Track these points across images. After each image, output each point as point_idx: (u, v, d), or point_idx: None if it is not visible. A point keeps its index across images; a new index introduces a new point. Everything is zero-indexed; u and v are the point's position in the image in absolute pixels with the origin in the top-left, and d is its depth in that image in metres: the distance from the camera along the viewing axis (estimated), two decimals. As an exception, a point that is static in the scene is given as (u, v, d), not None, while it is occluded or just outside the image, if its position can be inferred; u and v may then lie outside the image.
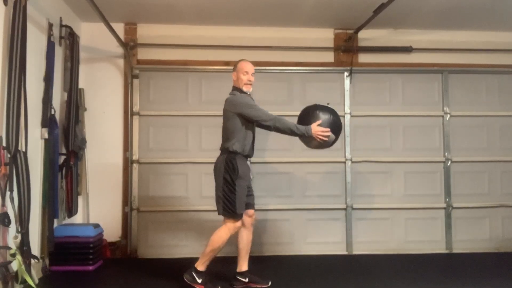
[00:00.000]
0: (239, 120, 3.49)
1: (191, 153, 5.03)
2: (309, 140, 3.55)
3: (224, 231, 3.46)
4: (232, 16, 4.86)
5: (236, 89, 3.63)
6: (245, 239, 3.64)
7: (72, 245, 4.15)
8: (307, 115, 3.58)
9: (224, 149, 3.55)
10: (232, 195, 3.42)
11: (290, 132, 3.48)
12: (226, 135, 3.56)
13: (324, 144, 3.54)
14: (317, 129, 3.45)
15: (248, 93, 3.62)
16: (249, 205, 3.63)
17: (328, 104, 3.65)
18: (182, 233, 4.96)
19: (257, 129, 3.68)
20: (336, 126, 3.54)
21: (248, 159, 3.66)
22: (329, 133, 3.47)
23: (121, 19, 4.93)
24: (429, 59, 5.28)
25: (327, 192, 5.12)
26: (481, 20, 4.99)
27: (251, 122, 3.53)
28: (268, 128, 3.53)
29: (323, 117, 3.51)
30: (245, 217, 3.60)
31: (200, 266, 3.47)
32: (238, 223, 3.49)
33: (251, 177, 3.76)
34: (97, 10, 3.94)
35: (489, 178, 5.27)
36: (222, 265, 3.97)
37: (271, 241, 4.99)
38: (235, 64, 3.70)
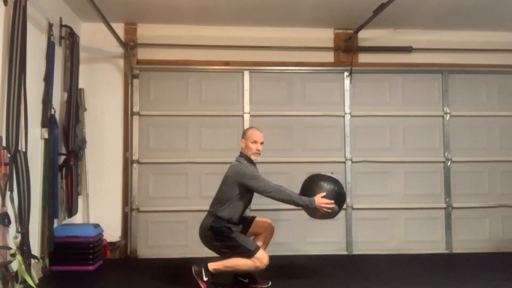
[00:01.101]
0: (238, 190, 3.48)
1: (191, 153, 5.03)
2: (313, 212, 3.52)
3: (253, 265, 3.39)
4: (232, 16, 4.85)
5: (243, 156, 3.61)
6: (258, 243, 3.61)
7: (72, 245, 4.15)
8: (311, 185, 3.55)
9: (211, 212, 3.53)
10: (236, 244, 3.40)
11: (294, 203, 3.46)
12: (219, 199, 3.55)
13: (327, 215, 3.51)
14: (321, 201, 3.41)
15: (255, 162, 3.62)
16: (249, 221, 3.66)
17: (332, 173, 3.64)
18: (182, 233, 4.96)
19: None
20: (340, 198, 3.51)
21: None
22: (333, 205, 3.44)
23: (121, 19, 4.93)
24: (429, 59, 5.28)
25: (327, 192, 5.11)
26: (481, 20, 4.99)
27: (253, 192, 3.52)
28: (271, 198, 3.48)
29: (327, 187, 3.47)
30: (264, 230, 3.66)
31: (213, 269, 3.43)
32: (265, 259, 3.39)
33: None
34: (97, 10, 3.94)
35: (489, 178, 5.27)
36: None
37: (271, 241, 4.97)
38: (244, 131, 3.72)
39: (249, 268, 3.43)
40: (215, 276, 3.46)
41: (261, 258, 3.39)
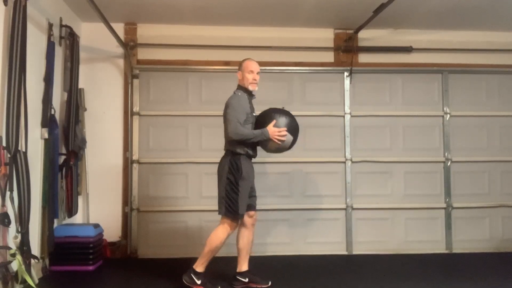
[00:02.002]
0: None
1: (191, 153, 5.03)
2: (267, 143, 3.53)
3: (221, 231, 3.46)
4: (232, 16, 4.86)
5: (241, 88, 3.63)
6: (246, 239, 3.63)
7: (72, 245, 4.15)
8: (263, 119, 3.57)
9: (227, 150, 3.55)
10: (235, 195, 3.42)
11: (248, 139, 3.44)
12: (228, 136, 3.55)
13: (282, 146, 3.54)
14: (273, 129, 3.45)
15: (253, 91, 3.61)
16: (251, 206, 3.63)
17: (283, 107, 3.67)
18: (182, 233, 4.96)
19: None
20: (292, 127, 3.54)
21: (252, 159, 3.65)
22: (286, 133, 3.47)
23: (121, 19, 4.93)
24: (429, 59, 5.28)
25: (327, 192, 5.12)
26: (481, 20, 4.99)
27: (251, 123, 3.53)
28: (230, 136, 3.45)
29: (278, 118, 3.51)
30: (246, 217, 3.60)
31: (199, 267, 3.47)
32: (236, 224, 3.50)
33: None
34: (97, 10, 3.94)
35: (489, 178, 5.27)
36: (222, 265, 3.97)
37: (271, 241, 4.99)
38: (240, 63, 3.69)
39: (222, 238, 3.45)
40: (206, 273, 3.47)
41: (234, 224, 3.46)
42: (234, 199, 3.42)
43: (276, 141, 3.47)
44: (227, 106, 3.52)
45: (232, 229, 3.49)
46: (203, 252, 3.48)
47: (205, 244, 3.49)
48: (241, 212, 3.45)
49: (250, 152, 3.55)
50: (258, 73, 3.62)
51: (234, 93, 3.61)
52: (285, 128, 3.48)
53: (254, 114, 3.62)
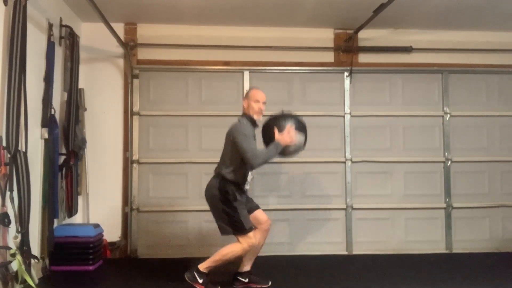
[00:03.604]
0: (236, 149, 3.46)
1: (191, 153, 5.03)
2: (285, 152, 3.52)
3: (239, 248, 3.42)
4: (232, 16, 4.86)
5: (245, 116, 3.59)
6: (256, 241, 3.57)
7: (72, 245, 4.15)
8: (268, 132, 3.55)
9: (218, 174, 3.55)
10: (236, 215, 3.42)
11: (268, 159, 3.42)
12: (224, 160, 3.55)
13: (298, 147, 3.55)
14: (281, 136, 3.44)
15: (257, 121, 3.59)
16: (253, 208, 3.64)
17: (282, 111, 3.67)
18: (182, 233, 4.96)
19: (257, 130, 3.66)
20: (298, 126, 3.54)
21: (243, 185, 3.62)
22: (294, 131, 3.46)
23: (121, 19, 4.93)
24: (429, 59, 5.28)
25: (327, 192, 5.12)
26: (481, 20, 4.99)
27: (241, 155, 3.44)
28: (248, 162, 3.39)
29: (281, 124, 3.50)
30: (259, 224, 3.61)
31: (204, 268, 3.45)
32: (253, 240, 3.44)
33: (249, 179, 3.75)
34: (97, 10, 3.94)
35: (489, 178, 5.27)
36: (222, 265, 3.96)
37: (271, 241, 4.97)
38: (246, 92, 3.71)
39: (236, 254, 3.43)
40: (209, 275, 3.47)
41: (249, 239, 3.42)
42: (237, 218, 3.41)
43: (289, 143, 3.45)
44: (235, 134, 3.46)
45: (250, 247, 3.44)
46: (214, 258, 3.45)
47: (218, 251, 3.46)
48: (247, 226, 3.43)
49: (240, 181, 3.53)
50: (264, 103, 3.59)
51: (239, 120, 3.58)
52: (290, 125, 3.48)
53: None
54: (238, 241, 3.44)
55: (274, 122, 3.57)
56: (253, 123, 3.57)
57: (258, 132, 3.64)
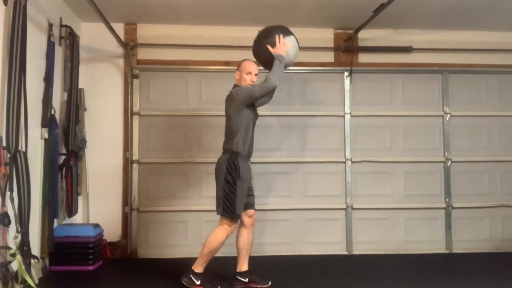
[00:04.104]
0: (242, 118, 3.49)
1: (191, 153, 5.03)
2: (287, 61, 3.60)
3: (220, 232, 3.46)
4: (232, 16, 4.85)
5: (237, 87, 3.64)
6: (245, 239, 3.63)
7: (72, 245, 4.15)
8: (264, 55, 3.62)
9: (226, 149, 3.56)
10: (232, 195, 3.43)
11: (279, 71, 3.50)
12: (229, 134, 3.56)
13: (295, 47, 3.67)
14: (277, 48, 3.54)
15: None
16: (249, 205, 3.63)
17: (258, 31, 3.73)
18: (182, 233, 4.96)
19: (256, 130, 3.69)
20: (281, 32, 3.61)
21: (250, 159, 3.66)
22: (284, 39, 3.56)
23: (121, 19, 4.93)
24: (429, 59, 5.27)
25: (327, 192, 5.12)
26: (481, 20, 4.99)
27: (256, 99, 3.53)
28: (271, 88, 3.48)
29: (269, 41, 3.58)
30: (245, 217, 3.61)
31: (198, 268, 3.47)
32: (235, 224, 3.50)
33: (252, 177, 3.76)
34: (97, 10, 3.94)
35: (489, 178, 5.27)
36: (222, 265, 3.97)
37: (271, 241, 4.99)
38: (238, 63, 3.70)
39: (221, 239, 3.46)
40: (205, 274, 3.47)
41: (233, 224, 3.46)
42: (232, 199, 3.42)
43: (288, 49, 3.56)
44: (240, 93, 3.51)
45: (231, 230, 3.48)
46: (202, 253, 3.48)
47: (203, 245, 3.49)
48: (238, 212, 3.45)
49: (248, 151, 3.56)
50: (256, 74, 3.63)
51: (234, 88, 3.63)
52: (279, 36, 3.56)
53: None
54: (221, 224, 3.46)
55: (261, 45, 3.63)
56: None
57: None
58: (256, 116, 3.66)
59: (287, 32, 3.65)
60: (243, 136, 3.51)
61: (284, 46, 3.56)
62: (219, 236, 3.46)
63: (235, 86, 3.67)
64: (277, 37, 3.56)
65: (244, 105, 3.50)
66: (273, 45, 3.56)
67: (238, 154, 3.48)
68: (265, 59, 3.63)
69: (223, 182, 3.46)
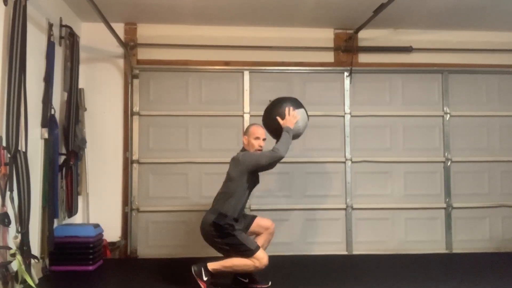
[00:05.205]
0: (245, 178, 3.49)
1: (191, 153, 5.03)
2: (296, 132, 3.63)
3: (251, 265, 3.40)
4: (232, 16, 4.85)
5: (245, 151, 3.64)
6: (260, 244, 3.60)
7: (72, 245, 4.15)
8: (272, 126, 3.64)
9: (214, 209, 3.54)
10: (236, 241, 3.40)
11: (287, 142, 3.52)
12: (224, 194, 3.55)
13: (303, 122, 3.68)
14: (286, 120, 3.55)
15: None
16: (251, 221, 3.67)
17: (269, 101, 3.77)
18: (182, 233, 4.96)
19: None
20: (293, 104, 3.63)
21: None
22: (294, 111, 3.58)
23: (121, 19, 4.93)
24: (429, 59, 5.28)
25: (327, 192, 5.12)
26: (481, 20, 4.99)
27: (262, 168, 3.54)
28: (278, 159, 3.48)
29: (279, 110, 3.60)
30: (264, 230, 3.66)
31: (212, 268, 3.43)
32: (264, 259, 3.40)
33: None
34: (97, 10, 3.94)
35: (489, 178, 5.27)
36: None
37: (271, 241, 4.98)
38: (246, 128, 3.75)
39: (248, 268, 3.43)
40: (214, 276, 3.46)
41: (261, 258, 3.39)
42: (239, 244, 3.39)
43: (296, 121, 3.58)
44: (248, 158, 3.50)
45: (261, 265, 3.40)
46: (225, 263, 3.43)
47: (232, 259, 3.42)
48: (253, 247, 3.40)
49: (237, 214, 3.52)
50: (264, 139, 3.64)
51: (243, 152, 3.63)
52: (288, 108, 3.57)
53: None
54: (252, 260, 3.41)
55: (271, 115, 3.65)
56: None
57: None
58: (257, 182, 3.67)
59: (297, 105, 3.66)
60: (237, 200, 3.50)
61: (293, 118, 3.57)
62: (249, 265, 3.40)
63: (243, 149, 3.66)
64: (287, 109, 3.58)
65: (249, 171, 3.51)
66: (283, 116, 3.57)
67: (226, 217, 3.45)
68: (274, 128, 3.65)
69: (221, 246, 3.45)
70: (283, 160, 4.99)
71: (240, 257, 3.40)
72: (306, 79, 5.21)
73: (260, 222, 3.72)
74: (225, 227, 3.41)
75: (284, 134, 3.53)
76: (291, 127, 3.55)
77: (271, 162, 3.49)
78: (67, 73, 4.41)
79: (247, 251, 3.39)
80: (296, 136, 3.68)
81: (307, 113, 3.72)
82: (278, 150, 3.47)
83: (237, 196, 3.50)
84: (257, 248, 3.43)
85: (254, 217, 3.75)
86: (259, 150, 3.60)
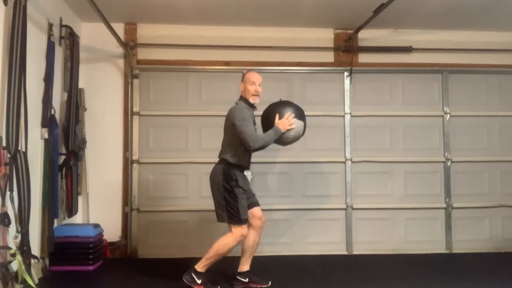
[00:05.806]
0: (236, 134, 3.48)
1: (191, 153, 5.03)
2: (281, 138, 3.56)
3: (230, 239, 3.46)
4: (232, 16, 4.86)
5: (242, 99, 3.62)
6: (251, 240, 3.61)
7: (72, 245, 4.15)
8: (268, 119, 3.61)
9: (222, 159, 3.56)
10: (234, 202, 3.43)
11: (267, 143, 3.49)
12: (226, 145, 3.57)
13: (296, 134, 3.60)
14: (281, 121, 3.51)
15: (254, 104, 3.61)
16: (253, 204, 3.64)
17: (280, 99, 3.73)
18: (182, 233, 4.96)
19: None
20: (297, 113, 3.60)
21: (245, 170, 3.65)
22: (294, 118, 3.53)
23: (121, 19, 4.93)
24: (429, 59, 5.28)
25: (327, 192, 5.12)
26: (481, 20, 4.99)
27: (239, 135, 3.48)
28: (247, 145, 3.44)
29: (281, 111, 3.57)
30: (253, 220, 3.60)
31: (200, 267, 3.48)
32: (245, 230, 3.48)
33: (250, 178, 3.76)
34: (97, 10, 3.94)
35: (489, 178, 5.27)
36: (222, 265, 3.97)
37: (271, 241, 4.98)
38: (243, 75, 3.70)
39: (229, 245, 3.45)
40: (206, 274, 3.47)
41: (241, 229, 3.45)
42: (234, 206, 3.43)
43: (289, 130, 3.52)
44: (233, 118, 3.48)
45: (241, 237, 3.47)
46: (208, 255, 3.48)
47: (211, 248, 3.48)
48: (243, 217, 3.45)
49: (244, 164, 3.56)
50: (260, 84, 3.61)
51: (236, 104, 3.60)
52: (290, 113, 3.54)
53: (255, 127, 3.60)
54: (231, 230, 3.47)
55: (274, 109, 3.62)
56: (251, 105, 3.60)
57: (257, 116, 3.68)
58: (255, 129, 3.63)
59: (300, 117, 3.63)
60: (240, 150, 3.50)
61: (288, 125, 3.52)
62: (228, 242, 3.45)
63: (240, 98, 3.65)
64: (289, 113, 3.56)
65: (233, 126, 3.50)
66: (281, 117, 3.55)
67: (234, 165, 3.49)
68: (267, 119, 3.62)
69: (222, 190, 3.47)
70: (283, 160, 5.06)
71: (226, 222, 3.45)
72: (306, 79, 5.21)
73: (254, 211, 3.62)
74: (232, 178, 3.45)
75: (270, 132, 3.50)
76: (282, 131, 3.51)
77: (244, 138, 3.41)
78: (67, 73, 4.42)
79: (236, 218, 3.42)
80: (281, 142, 3.63)
81: (304, 129, 3.67)
82: (254, 142, 3.41)
83: (236, 146, 3.49)
84: (246, 220, 3.46)
85: (257, 203, 3.67)
86: (255, 95, 3.57)
